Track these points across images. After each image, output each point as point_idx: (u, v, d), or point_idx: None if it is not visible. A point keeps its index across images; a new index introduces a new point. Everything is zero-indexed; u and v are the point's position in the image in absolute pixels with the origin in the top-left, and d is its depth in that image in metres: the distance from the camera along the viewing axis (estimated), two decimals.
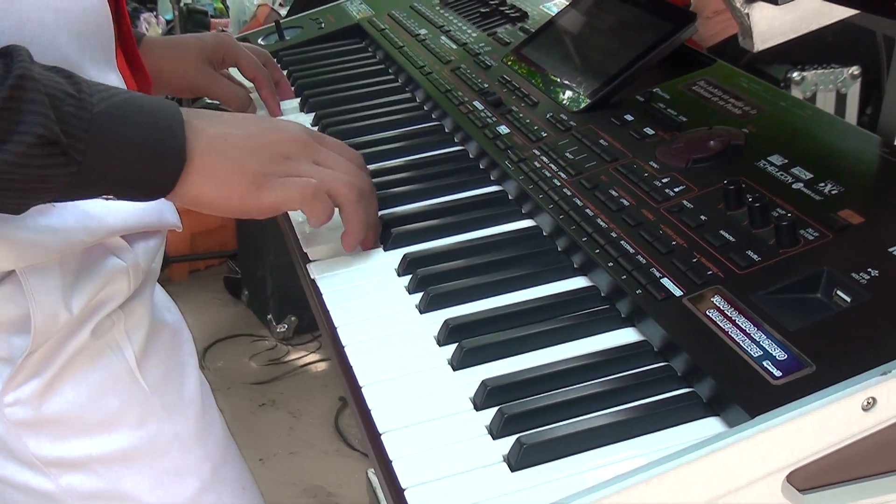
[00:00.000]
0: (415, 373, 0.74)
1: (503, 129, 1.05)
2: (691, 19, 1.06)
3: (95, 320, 0.86)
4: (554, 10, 1.34)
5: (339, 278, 0.88)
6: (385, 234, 0.92)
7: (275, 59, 1.45)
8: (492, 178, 1.02)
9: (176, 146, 0.77)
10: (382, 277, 0.87)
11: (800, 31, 0.90)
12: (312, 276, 0.88)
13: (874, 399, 0.58)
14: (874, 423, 0.59)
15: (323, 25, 1.56)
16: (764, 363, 0.64)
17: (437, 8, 1.48)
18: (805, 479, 0.59)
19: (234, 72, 1.30)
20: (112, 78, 0.87)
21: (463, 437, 0.67)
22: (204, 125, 0.80)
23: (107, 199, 0.79)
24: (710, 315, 0.70)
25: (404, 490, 0.63)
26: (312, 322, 2.89)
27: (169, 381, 0.93)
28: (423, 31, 1.40)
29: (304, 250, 0.92)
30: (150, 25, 4.12)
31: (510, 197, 0.98)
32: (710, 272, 0.74)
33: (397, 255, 0.89)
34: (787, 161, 0.84)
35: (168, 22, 4.05)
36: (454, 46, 1.32)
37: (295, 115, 1.28)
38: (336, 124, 1.21)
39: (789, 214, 0.77)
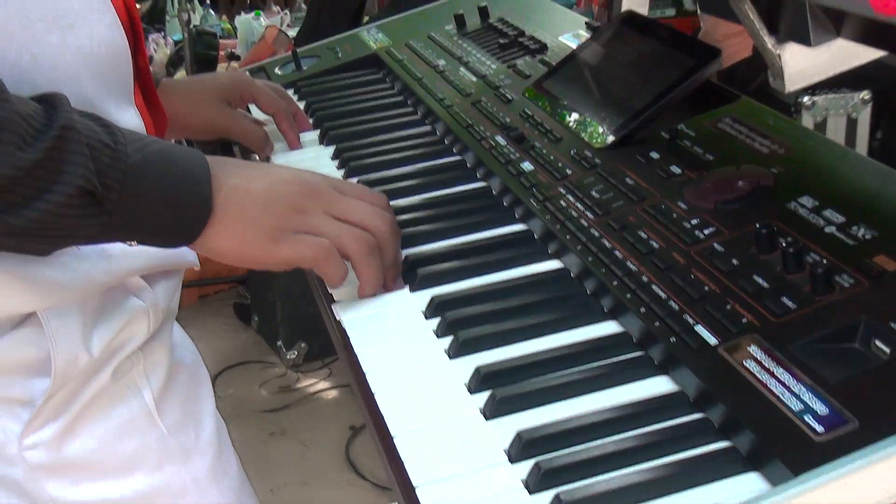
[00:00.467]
0: (448, 422, 0.72)
1: (527, 166, 1.04)
2: (715, 55, 1.06)
3: (115, 362, 0.85)
4: (573, 42, 1.33)
5: (366, 320, 0.87)
6: (411, 275, 0.91)
7: (293, 90, 1.45)
8: (516, 216, 1.01)
9: (202, 199, 0.77)
10: (410, 320, 0.86)
11: (830, 73, 0.89)
12: (338, 318, 0.87)
13: None
14: None
15: (340, 55, 1.56)
16: (805, 417, 0.63)
17: (455, 38, 1.48)
18: None
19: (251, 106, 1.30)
20: (130, 114, 0.87)
21: (498, 490, 0.65)
22: (227, 175, 0.80)
23: (129, 244, 0.79)
24: (748, 365, 0.69)
25: None
26: (322, 349, 2.88)
27: (187, 423, 0.92)
28: (441, 62, 1.39)
29: (330, 290, 0.91)
30: (159, 46, 4.13)
31: (535, 236, 0.96)
32: (744, 320, 0.73)
33: (424, 296, 0.88)
34: (818, 203, 0.83)
35: (177, 43, 4.06)
36: (474, 79, 1.31)
37: (315, 147, 1.28)
38: (357, 158, 1.20)
39: (824, 261, 0.76)
